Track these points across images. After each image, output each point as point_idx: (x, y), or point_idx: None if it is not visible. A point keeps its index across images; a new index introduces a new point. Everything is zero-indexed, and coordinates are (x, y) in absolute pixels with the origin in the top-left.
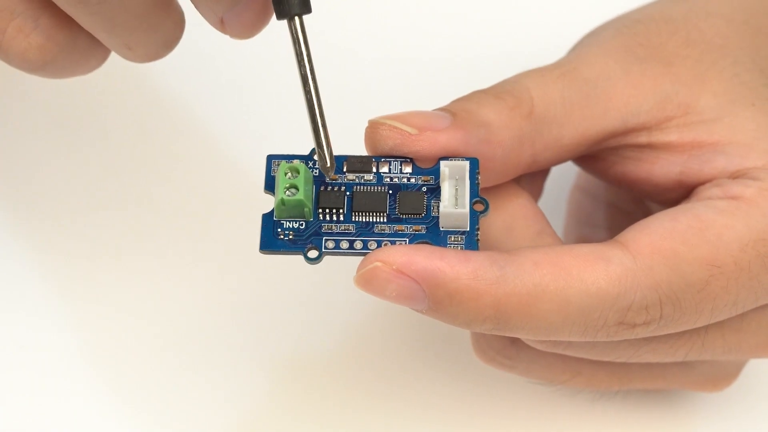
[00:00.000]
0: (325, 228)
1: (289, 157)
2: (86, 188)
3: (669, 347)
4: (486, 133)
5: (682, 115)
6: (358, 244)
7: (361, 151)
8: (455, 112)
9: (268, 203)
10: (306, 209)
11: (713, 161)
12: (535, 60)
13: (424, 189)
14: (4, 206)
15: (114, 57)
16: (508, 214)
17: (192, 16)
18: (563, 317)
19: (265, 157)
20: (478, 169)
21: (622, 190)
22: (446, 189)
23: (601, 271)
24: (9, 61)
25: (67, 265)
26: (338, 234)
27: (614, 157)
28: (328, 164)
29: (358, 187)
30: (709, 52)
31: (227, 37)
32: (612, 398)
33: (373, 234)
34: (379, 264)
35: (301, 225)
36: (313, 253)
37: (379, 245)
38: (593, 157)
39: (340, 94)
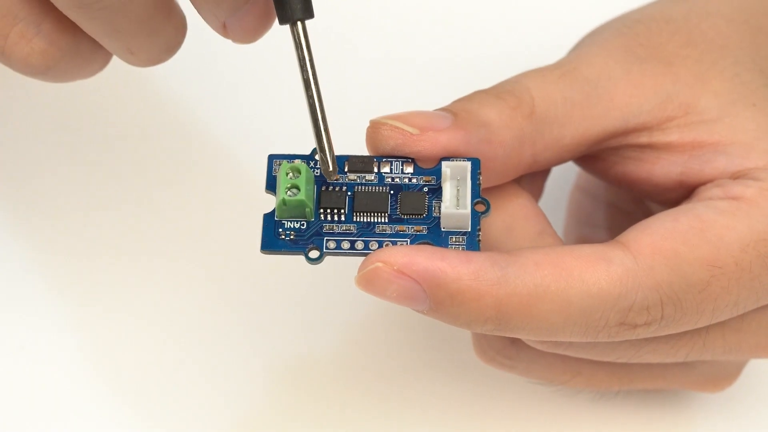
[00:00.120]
0: (326, 228)
1: (291, 157)
2: (87, 188)
3: (670, 347)
4: (487, 133)
5: (682, 115)
6: (360, 245)
7: (363, 151)
8: (456, 112)
9: (269, 203)
10: (307, 209)
11: (714, 161)
12: (535, 60)
13: (426, 189)
14: (5, 206)
15: (115, 59)
16: (509, 215)
17: (193, 19)
18: (564, 318)
19: (267, 156)
20: (479, 169)
21: (623, 190)
22: (447, 189)
23: (602, 271)
24: (12, 65)
25: (68, 265)
26: (339, 234)
27: (615, 157)
28: (331, 168)
29: (360, 187)
30: (709, 52)
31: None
32: (612, 398)
33: (375, 234)
34: (380, 265)
35: (303, 225)
36: (314, 254)
37: (380, 246)
38: (594, 157)
39: (341, 94)
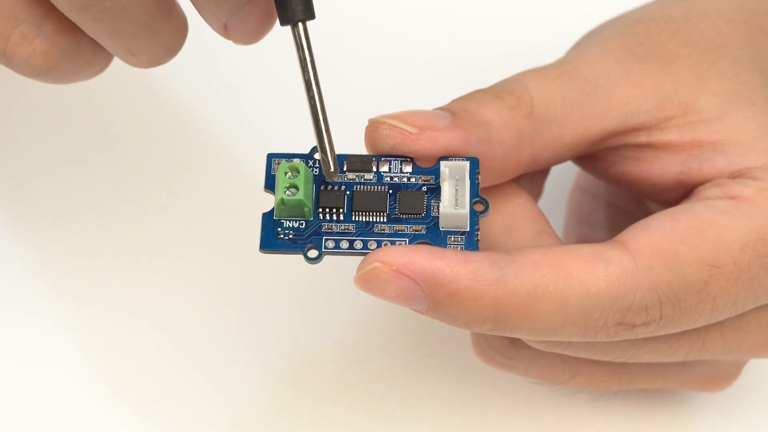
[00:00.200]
0: (325, 227)
1: (290, 156)
2: (87, 188)
3: (669, 347)
4: (486, 133)
5: (681, 114)
6: (358, 244)
7: (362, 150)
8: (455, 111)
9: (268, 202)
10: (306, 209)
11: (713, 161)
12: (535, 60)
13: (424, 189)
14: (5, 206)
15: (116, 59)
16: (508, 214)
17: (194, 20)
18: (563, 318)
19: (266, 155)
20: (478, 169)
21: (622, 189)
22: (446, 189)
23: (601, 271)
24: (13, 67)
25: (68, 265)
26: (338, 234)
27: (614, 156)
28: (332, 168)
29: (359, 186)
30: (709, 52)
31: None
32: (612, 398)
33: (373, 234)
34: (378, 264)
35: (301, 224)
36: (312, 253)
37: (378, 245)
38: (593, 156)
39: (341, 93)
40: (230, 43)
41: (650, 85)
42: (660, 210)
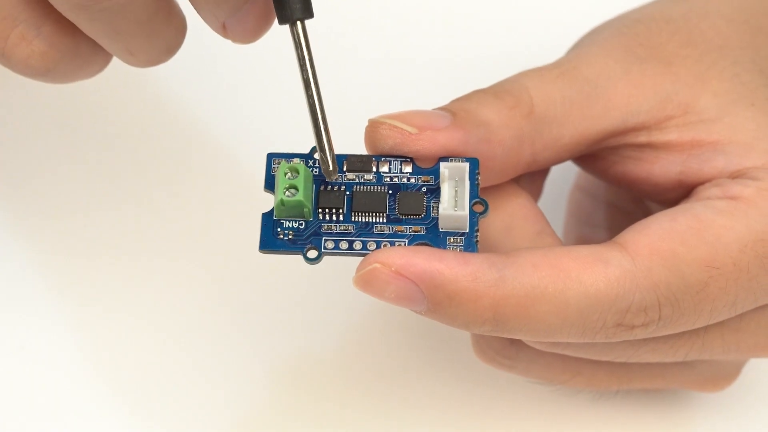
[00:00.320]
0: (324, 228)
1: (290, 156)
2: (86, 188)
3: (668, 347)
4: (486, 133)
5: (681, 114)
6: (358, 245)
7: (361, 150)
8: (455, 111)
9: (268, 202)
10: (305, 209)
11: (713, 161)
12: (535, 60)
13: (424, 189)
14: (5, 206)
15: (115, 59)
16: (508, 214)
17: (193, 20)
18: (562, 319)
19: (266, 155)
20: (478, 169)
21: (622, 189)
22: (446, 190)
23: (600, 272)
24: (12, 67)
25: (68, 265)
26: (338, 234)
27: (614, 156)
28: (331, 168)
29: (358, 186)
30: (709, 52)
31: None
32: (612, 398)
33: (373, 234)
34: (378, 266)
35: (301, 225)
36: (312, 254)
37: (378, 246)
38: (593, 156)
39: (340, 93)
40: (230, 43)
41: (650, 85)
42: (660, 210)
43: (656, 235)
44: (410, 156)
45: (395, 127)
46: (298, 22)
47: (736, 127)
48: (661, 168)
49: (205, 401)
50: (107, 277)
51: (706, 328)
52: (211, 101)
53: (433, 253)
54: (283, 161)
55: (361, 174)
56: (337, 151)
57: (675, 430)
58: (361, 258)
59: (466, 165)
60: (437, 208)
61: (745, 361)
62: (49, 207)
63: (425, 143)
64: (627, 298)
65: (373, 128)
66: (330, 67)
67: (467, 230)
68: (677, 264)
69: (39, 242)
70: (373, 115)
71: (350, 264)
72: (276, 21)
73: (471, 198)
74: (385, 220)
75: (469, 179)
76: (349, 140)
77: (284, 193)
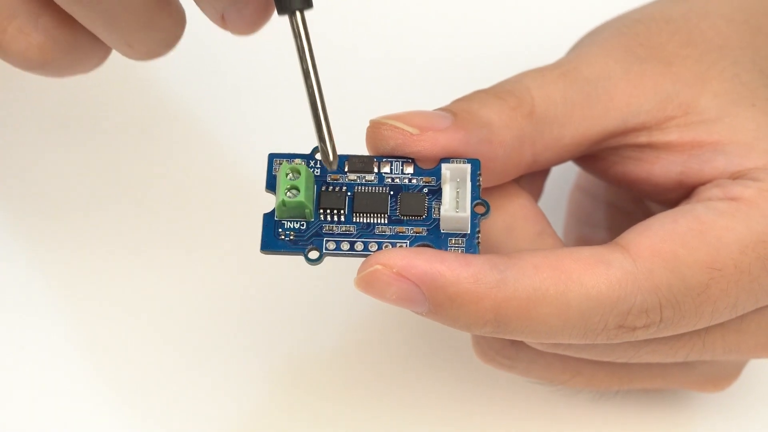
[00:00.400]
0: (326, 229)
1: (291, 156)
2: (87, 187)
3: (669, 348)
4: (487, 133)
5: (682, 115)
6: (359, 246)
7: (363, 150)
8: (456, 112)
9: (270, 202)
10: (307, 210)
11: (713, 161)
12: (535, 60)
13: (426, 190)
14: (5, 206)
15: (114, 54)
16: (509, 215)
17: (195, 17)
18: (563, 321)
19: (267, 155)
20: (479, 170)
21: (622, 189)
22: (447, 192)
23: (602, 274)
24: (9, 60)
25: (68, 265)
26: (339, 235)
27: (614, 156)
28: (331, 158)
29: (360, 187)
30: (709, 52)
31: (229, 33)
32: (612, 398)
33: (374, 235)
34: (379, 267)
35: (302, 225)
36: (313, 254)
37: (379, 247)
38: (593, 156)
39: (341, 93)
40: (231, 41)
41: (650, 85)
42: (660, 210)
43: (657, 237)
44: (412, 157)
45: (397, 128)
46: (297, 13)
47: (737, 128)
48: (662, 168)
49: (206, 402)
50: (108, 277)
51: (707, 329)
52: (212, 100)
53: (434, 254)
54: (284, 162)
55: (363, 175)
56: (338, 152)
57: (675, 430)
58: (363, 259)
59: (468, 166)
60: (439, 209)
61: (746, 361)
62: (50, 207)
63: (426, 144)
64: (628, 300)
65: (375, 129)
66: (331, 66)
67: (468, 231)
68: (678, 266)
69: (39, 242)
70: (374, 116)
71: (351, 264)
72: (275, 12)
73: (472, 199)
74: (386, 221)
75: (471, 180)
76: (349, 140)
77: (285, 193)
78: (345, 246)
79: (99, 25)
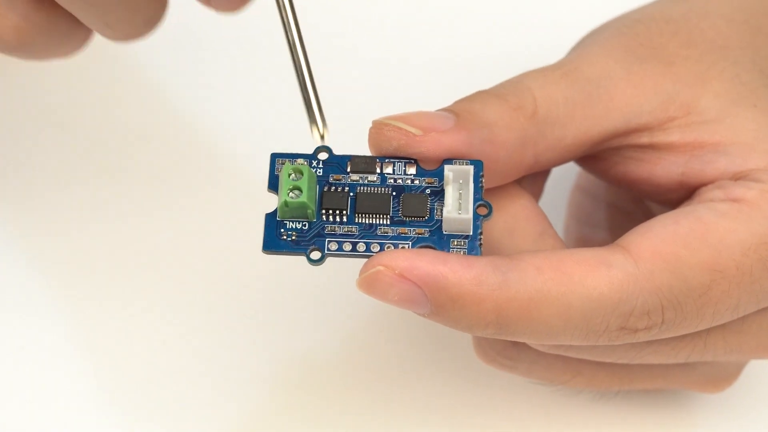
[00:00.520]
0: (328, 229)
1: (293, 156)
2: (87, 187)
3: (671, 349)
4: (489, 134)
5: (683, 115)
6: (361, 247)
7: (365, 150)
8: (458, 112)
9: (272, 202)
10: (309, 211)
11: (715, 162)
12: (535, 60)
13: (428, 191)
14: (5, 206)
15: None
16: (510, 216)
17: (198, 17)
18: (565, 322)
19: (269, 155)
20: (482, 172)
21: (623, 190)
22: (450, 193)
23: (603, 276)
24: None
25: (69, 265)
26: (341, 236)
27: (616, 157)
28: (321, 130)
29: (362, 188)
30: (709, 52)
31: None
32: (612, 398)
33: (376, 236)
34: (381, 268)
35: (304, 226)
36: (315, 255)
37: (381, 248)
38: (595, 157)
39: (342, 94)
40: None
41: (651, 86)
42: (661, 210)
43: (659, 238)
44: (414, 158)
45: (400, 128)
46: None
47: (738, 128)
48: (663, 169)
49: (207, 403)
50: (108, 277)
51: (708, 330)
52: (214, 99)
53: (436, 256)
54: (287, 162)
55: (365, 175)
56: (339, 153)
57: (675, 430)
58: (365, 260)
59: (470, 168)
60: (441, 210)
61: (746, 362)
62: (51, 207)
63: (429, 145)
64: (630, 301)
65: (378, 129)
66: (332, 67)
67: (471, 233)
68: (680, 267)
69: (39, 242)
70: (375, 116)
71: (353, 264)
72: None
73: (475, 201)
74: (388, 222)
75: (474, 182)
76: (351, 140)
77: (288, 194)
78: (347, 247)
79: (76, 5)
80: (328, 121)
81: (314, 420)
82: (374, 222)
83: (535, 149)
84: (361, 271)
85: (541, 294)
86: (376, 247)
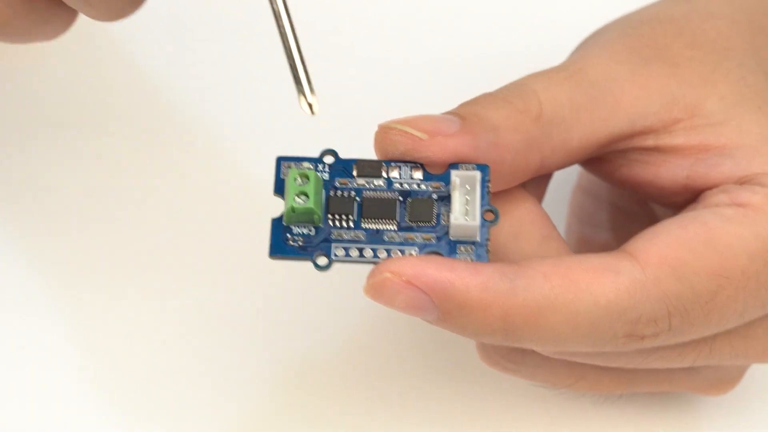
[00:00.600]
0: (334, 234)
1: (299, 159)
2: (89, 188)
3: (677, 354)
4: (495, 138)
5: (688, 117)
6: (368, 252)
7: (365, 148)
8: (464, 115)
9: (278, 205)
10: (315, 216)
11: (720, 165)
12: (535, 60)
13: (435, 196)
14: (5, 206)
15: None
16: (515, 219)
17: (206, 25)
18: (572, 329)
19: (275, 158)
20: (488, 177)
21: (626, 191)
22: (456, 200)
23: (610, 282)
24: None
25: (69, 266)
26: (348, 241)
27: (621, 159)
28: (309, 100)
29: (368, 192)
30: (714, 53)
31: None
32: (616, 401)
33: (383, 242)
34: (388, 275)
35: (311, 231)
36: (322, 261)
37: (388, 254)
38: (599, 159)
39: (342, 94)
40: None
41: (656, 88)
42: (665, 212)
43: (665, 244)
44: (420, 162)
45: (406, 132)
46: None
47: (743, 131)
48: (668, 172)
49: (207, 403)
50: (108, 277)
51: (714, 336)
52: (218, 101)
53: (443, 262)
54: (293, 167)
55: (371, 179)
56: (345, 157)
57: None
58: (371, 265)
59: (477, 174)
60: (448, 215)
61: (749, 364)
62: (52, 208)
63: (436, 149)
64: (637, 308)
65: (384, 133)
66: (329, 68)
67: (478, 239)
68: (687, 274)
69: (39, 243)
70: (375, 115)
71: (359, 267)
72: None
73: (482, 207)
74: (395, 228)
75: (480, 188)
76: (349, 140)
77: (294, 200)
78: (354, 252)
79: None
80: (322, 121)
81: (314, 420)
82: (381, 227)
83: (540, 152)
84: (368, 278)
85: (549, 301)
86: (382, 253)
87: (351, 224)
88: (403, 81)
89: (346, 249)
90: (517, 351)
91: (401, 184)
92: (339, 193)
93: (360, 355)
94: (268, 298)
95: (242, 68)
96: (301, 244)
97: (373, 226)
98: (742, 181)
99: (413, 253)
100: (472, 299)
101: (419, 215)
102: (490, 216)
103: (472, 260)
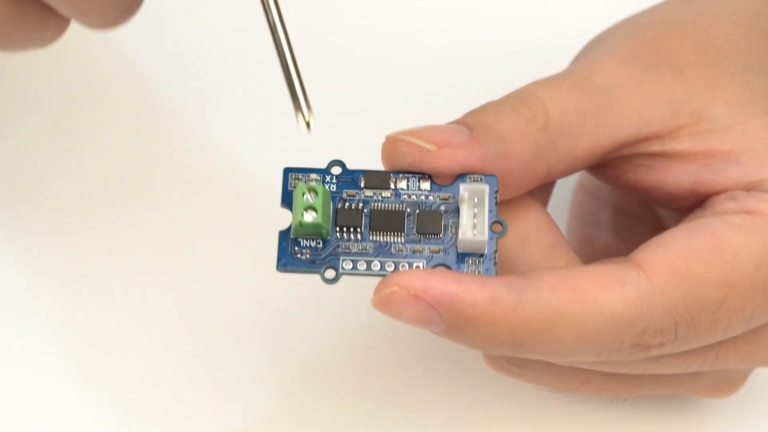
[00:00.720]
0: (342, 247)
1: (306, 170)
2: (91, 190)
3: (683, 361)
4: (503, 148)
5: (694, 123)
6: (376, 265)
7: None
8: (472, 126)
9: (285, 216)
10: (323, 230)
11: (726, 171)
12: (535, 60)
13: (443, 208)
14: (5, 206)
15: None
16: (522, 227)
17: (208, 23)
18: (579, 341)
19: (282, 170)
20: (497, 188)
21: (630, 193)
22: (465, 213)
23: (617, 294)
24: None
25: (69, 267)
26: (355, 254)
27: (626, 165)
28: (307, 117)
29: (376, 204)
30: (719, 57)
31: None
32: (620, 404)
33: (391, 254)
34: (396, 289)
35: (319, 244)
36: (330, 274)
37: (396, 267)
38: (605, 164)
39: (342, 93)
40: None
41: (662, 93)
42: (668, 213)
43: (672, 254)
44: (428, 173)
45: (413, 144)
46: None
47: (749, 136)
48: (674, 177)
49: (207, 403)
50: (109, 277)
51: (720, 342)
52: (224, 110)
53: (451, 276)
54: (300, 182)
55: (379, 191)
56: (352, 167)
57: None
58: (379, 278)
59: (486, 187)
60: (456, 227)
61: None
62: (52, 208)
63: (444, 161)
64: (644, 320)
65: (391, 145)
66: (329, 68)
67: (486, 252)
68: (694, 284)
69: (39, 243)
70: (376, 118)
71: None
72: None
73: (490, 219)
74: (403, 240)
75: (489, 200)
76: (349, 141)
77: (302, 214)
78: (362, 266)
79: None
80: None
81: (314, 420)
82: (389, 240)
83: (548, 161)
84: (376, 291)
85: (556, 313)
86: (390, 266)
87: (359, 237)
88: (403, 81)
89: (354, 262)
90: None
91: (409, 195)
92: (347, 205)
93: (361, 355)
94: (268, 298)
95: (243, 68)
96: (308, 257)
97: (381, 239)
98: (749, 187)
99: (421, 265)
100: (479, 313)
101: (427, 227)
102: (498, 228)
103: (479, 273)
